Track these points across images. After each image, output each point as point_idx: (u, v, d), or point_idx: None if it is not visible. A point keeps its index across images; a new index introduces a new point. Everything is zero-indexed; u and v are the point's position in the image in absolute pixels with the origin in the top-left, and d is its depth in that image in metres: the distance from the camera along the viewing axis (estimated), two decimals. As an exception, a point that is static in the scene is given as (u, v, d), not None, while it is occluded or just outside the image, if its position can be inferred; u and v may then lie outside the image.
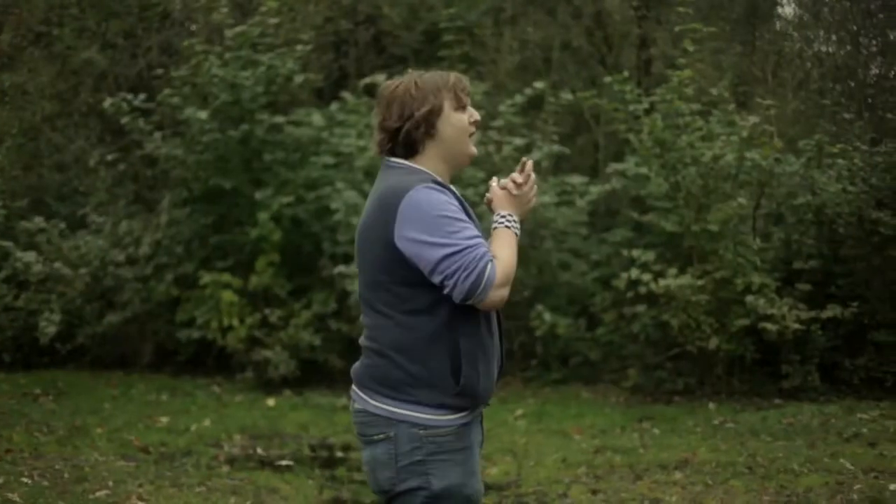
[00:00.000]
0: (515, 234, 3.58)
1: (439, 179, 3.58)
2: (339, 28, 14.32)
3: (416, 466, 3.52)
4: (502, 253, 3.48)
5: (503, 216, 3.59)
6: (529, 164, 3.67)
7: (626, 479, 7.62)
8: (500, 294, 3.43)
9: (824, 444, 8.24)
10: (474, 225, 3.52)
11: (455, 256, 3.39)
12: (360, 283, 3.65)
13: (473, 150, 3.68)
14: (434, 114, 3.58)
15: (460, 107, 3.62)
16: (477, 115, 3.67)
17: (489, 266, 3.39)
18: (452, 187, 3.64)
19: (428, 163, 3.61)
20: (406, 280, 3.49)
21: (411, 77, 3.66)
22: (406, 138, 3.59)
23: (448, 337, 3.49)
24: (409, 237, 3.43)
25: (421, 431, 3.51)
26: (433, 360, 3.49)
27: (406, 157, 3.62)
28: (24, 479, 7.33)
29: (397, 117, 3.58)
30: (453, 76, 3.65)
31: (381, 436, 3.56)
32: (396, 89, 3.63)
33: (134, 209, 12.74)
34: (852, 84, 12.75)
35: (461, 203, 3.54)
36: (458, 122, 3.61)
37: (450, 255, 3.39)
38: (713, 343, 9.97)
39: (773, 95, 12.06)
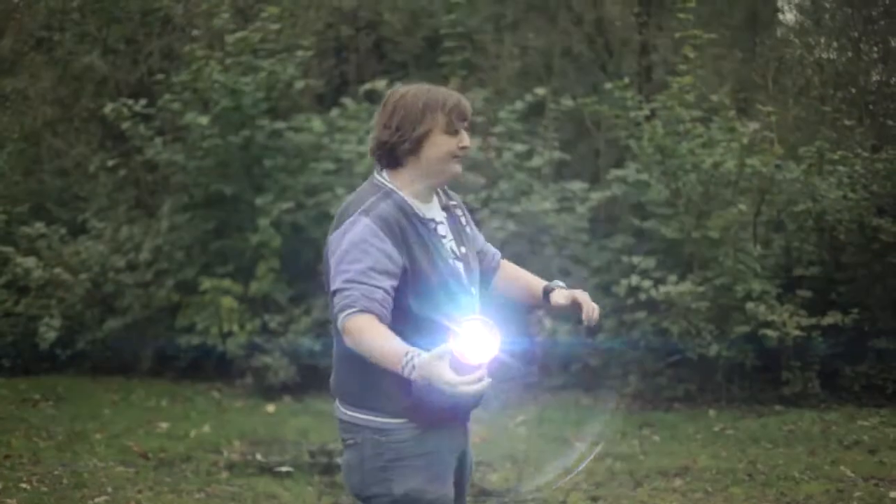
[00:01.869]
0: (405, 367, 3.33)
1: (406, 205, 3.60)
2: (339, 34, 14.32)
3: (379, 472, 3.57)
4: (374, 338, 3.40)
5: (414, 359, 3.32)
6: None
7: (625, 485, 7.61)
8: (343, 333, 3.47)
9: (825, 452, 8.24)
10: (422, 257, 3.54)
11: (338, 294, 3.47)
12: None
13: (456, 170, 3.67)
14: (424, 136, 3.59)
15: (452, 131, 3.61)
16: (467, 142, 3.65)
17: (344, 315, 3.43)
18: (424, 211, 3.66)
19: (406, 176, 3.65)
20: None
21: (419, 90, 3.65)
22: (391, 152, 3.63)
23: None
24: (331, 260, 3.56)
25: (382, 438, 3.56)
26: (378, 373, 3.48)
27: (389, 168, 3.66)
28: (23, 485, 7.33)
29: (395, 128, 3.60)
30: (454, 99, 3.64)
31: (351, 441, 3.65)
32: (403, 98, 3.63)
33: (134, 215, 12.73)
34: (853, 91, 12.73)
35: (401, 236, 3.53)
36: (444, 144, 3.61)
37: (337, 290, 3.47)
38: (713, 350, 9.97)
39: (773, 102, 12.05)
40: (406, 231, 3.54)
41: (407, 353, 3.31)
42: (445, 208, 3.77)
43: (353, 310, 3.41)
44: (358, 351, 3.43)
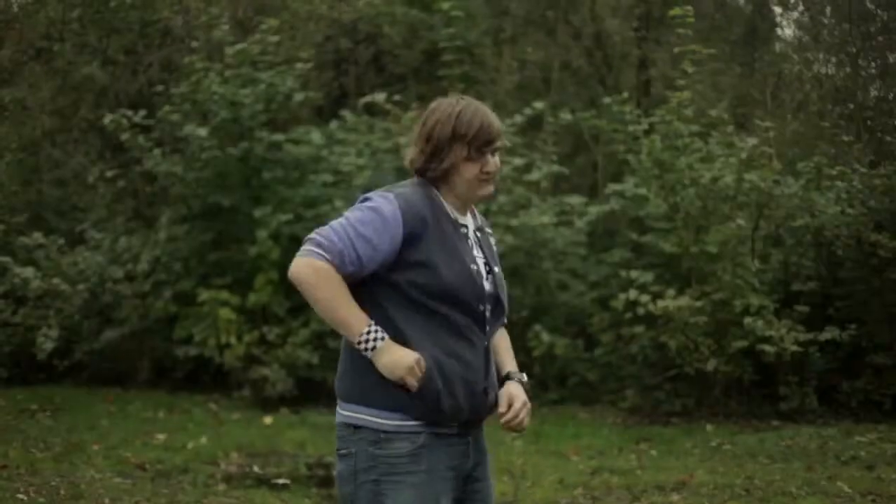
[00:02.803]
0: (362, 341, 3.47)
1: (440, 202, 3.61)
2: (339, 46, 14.35)
3: (372, 486, 3.54)
4: (335, 294, 3.48)
5: (374, 337, 3.47)
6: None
7: (623, 500, 7.61)
8: (294, 266, 3.55)
9: (822, 467, 8.23)
10: (438, 249, 3.53)
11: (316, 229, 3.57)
12: None
13: (485, 191, 3.65)
14: (451, 166, 3.59)
15: (475, 157, 3.58)
16: (490, 167, 3.61)
17: (309, 249, 3.51)
18: (458, 216, 3.66)
19: (442, 191, 3.65)
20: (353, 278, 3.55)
21: (451, 113, 3.62)
22: (423, 174, 3.65)
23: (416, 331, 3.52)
24: None
25: (377, 451, 3.52)
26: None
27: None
28: (20, 496, 7.31)
29: (428, 154, 3.62)
30: (476, 125, 3.59)
31: (345, 451, 3.62)
32: (438, 122, 3.61)
33: (133, 225, 12.74)
34: (851, 106, 12.77)
35: (419, 224, 3.51)
36: (468, 172, 3.58)
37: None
38: (711, 364, 9.97)
39: (772, 117, 12.09)
40: (427, 221, 3.53)
41: (368, 329, 3.43)
42: (479, 229, 3.76)
43: (321, 252, 3.48)
44: (308, 295, 3.51)
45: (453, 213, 3.64)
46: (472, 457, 3.69)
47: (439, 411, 3.53)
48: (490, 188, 3.65)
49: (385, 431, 3.53)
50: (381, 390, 3.52)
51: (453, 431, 3.61)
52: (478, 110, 3.63)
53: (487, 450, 3.81)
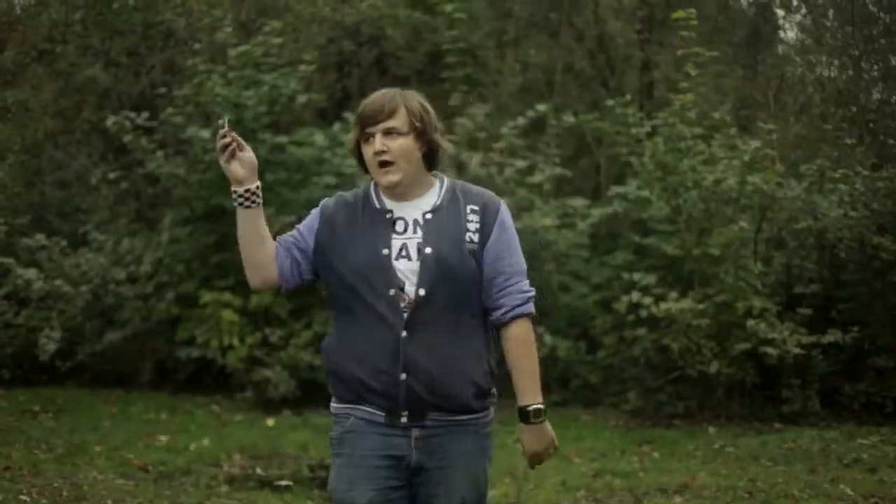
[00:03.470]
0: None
1: (369, 195, 3.79)
2: (342, 49, 14.35)
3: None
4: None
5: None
6: None
7: (625, 502, 7.61)
8: None
9: (824, 470, 8.23)
10: (347, 237, 3.74)
11: None
12: None
13: (383, 180, 3.69)
14: (356, 148, 3.79)
15: (364, 139, 3.71)
16: (375, 147, 3.67)
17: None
18: (390, 204, 3.75)
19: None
20: None
21: None
22: None
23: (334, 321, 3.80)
24: None
25: (329, 434, 3.81)
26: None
27: None
28: (23, 497, 7.31)
29: None
30: (361, 107, 3.74)
31: None
32: None
33: (135, 227, 12.74)
34: (854, 109, 12.77)
35: (331, 218, 3.81)
36: (365, 154, 3.74)
37: None
38: (713, 367, 9.96)
39: (774, 120, 12.09)
40: (336, 218, 3.78)
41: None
42: (436, 209, 3.72)
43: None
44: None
45: (379, 202, 3.74)
46: (420, 454, 3.70)
47: (348, 383, 3.69)
48: (390, 177, 3.69)
49: (332, 414, 3.79)
50: (331, 380, 3.78)
51: (380, 419, 3.67)
52: (376, 93, 3.79)
53: (465, 459, 3.91)
